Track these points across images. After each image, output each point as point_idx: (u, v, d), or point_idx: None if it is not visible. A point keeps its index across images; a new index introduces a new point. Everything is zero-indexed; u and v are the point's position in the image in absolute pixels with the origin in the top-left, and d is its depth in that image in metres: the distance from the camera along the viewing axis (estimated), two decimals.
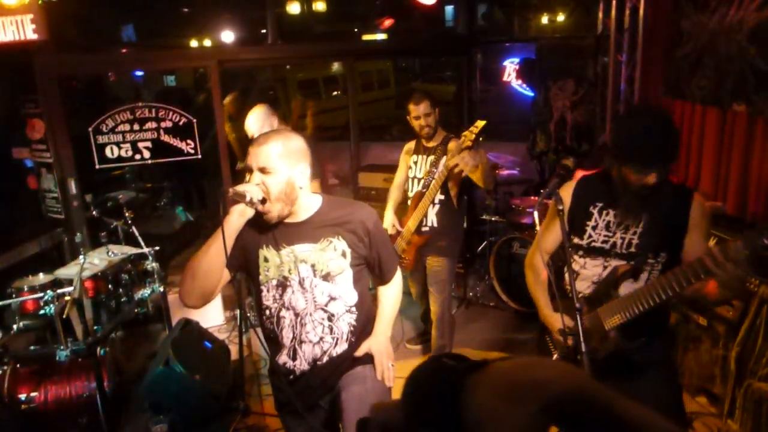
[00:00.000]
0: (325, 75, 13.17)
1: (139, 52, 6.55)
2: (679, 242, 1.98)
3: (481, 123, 3.21)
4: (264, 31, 5.56)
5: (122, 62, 5.81)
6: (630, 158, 1.90)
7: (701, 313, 3.22)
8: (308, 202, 2.04)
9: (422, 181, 3.61)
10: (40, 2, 3.91)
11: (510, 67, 6.40)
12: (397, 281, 2.28)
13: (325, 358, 2.09)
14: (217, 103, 5.11)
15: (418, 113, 3.56)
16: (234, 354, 4.00)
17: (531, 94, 6.09)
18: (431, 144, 3.64)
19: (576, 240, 2.12)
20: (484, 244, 5.18)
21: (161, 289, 4.33)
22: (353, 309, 2.11)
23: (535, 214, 1.94)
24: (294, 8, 12.00)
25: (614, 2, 5.03)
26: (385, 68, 14.94)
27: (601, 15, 5.28)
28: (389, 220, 3.80)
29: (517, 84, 6.41)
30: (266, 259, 2.04)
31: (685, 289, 1.78)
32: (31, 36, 3.95)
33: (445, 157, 3.43)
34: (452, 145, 3.47)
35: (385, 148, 8.34)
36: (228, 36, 11.19)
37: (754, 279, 2.78)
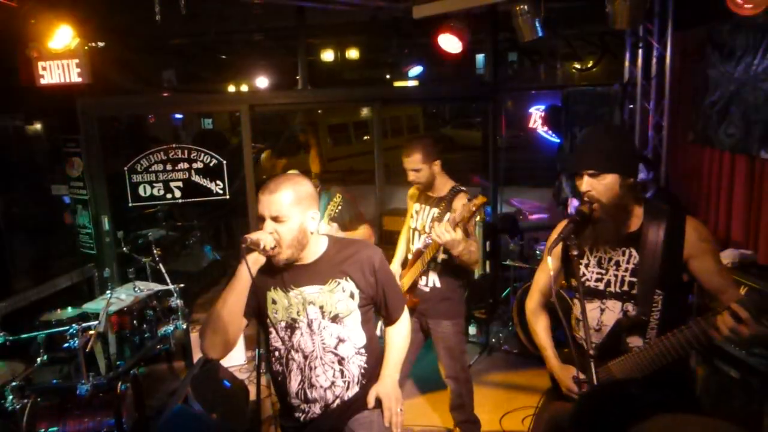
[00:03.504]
0: (355, 120, 13.46)
1: (175, 95, 6.83)
2: (677, 277, 1.91)
3: (481, 200, 2.89)
4: (298, 77, 5.74)
5: (159, 105, 6.05)
6: (572, 164, 1.94)
7: (733, 366, 3.09)
8: (316, 245, 2.06)
9: (422, 238, 3.29)
10: (85, 48, 4.13)
11: (536, 113, 6.45)
12: (404, 322, 2.24)
13: (338, 402, 2.07)
14: (246, 145, 5.25)
15: (407, 167, 3.23)
16: (253, 395, 3.98)
17: (557, 140, 6.11)
18: (434, 194, 3.29)
19: (573, 282, 2.09)
20: (507, 290, 5.12)
21: (184, 326, 4.38)
22: (362, 351, 2.10)
23: (548, 259, 1.92)
24: (328, 56, 12.44)
25: (640, 50, 5.07)
26: (415, 114, 15.21)
27: (627, 63, 5.32)
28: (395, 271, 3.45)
29: (542, 130, 6.44)
30: (274, 301, 2.05)
31: (694, 349, 1.74)
32: (76, 79, 4.16)
33: (448, 215, 3.07)
34: (458, 202, 3.11)
35: None
36: (262, 81, 11.61)
37: None
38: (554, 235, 2.14)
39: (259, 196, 1.97)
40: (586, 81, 6.27)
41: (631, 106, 5.32)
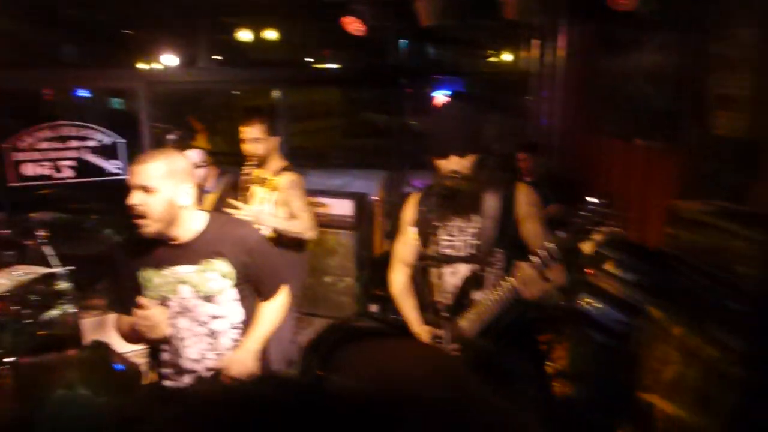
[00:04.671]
0: (271, 102, 13.21)
1: (61, 69, 6.22)
2: (513, 238, 2.11)
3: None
4: (219, 57, 5.57)
5: (43, 80, 5.59)
6: (443, 147, 2.07)
7: (599, 330, 3.33)
8: (192, 223, 2.02)
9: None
10: None
11: (440, 98, 6.61)
12: (279, 301, 2.24)
13: (208, 373, 2.09)
14: (145, 124, 5.06)
15: (246, 136, 3.09)
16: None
17: None
18: (266, 174, 3.18)
19: (428, 251, 2.21)
20: None
21: (73, 310, 4.19)
22: (239, 325, 2.12)
23: (412, 230, 2.04)
24: (244, 35, 12.11)
25: (535, 42, 5.31)
26: (330, 98, 15.11)
27: (525, 54, 5.55)
28: None
29: None
30: (147, 279, 2.03)
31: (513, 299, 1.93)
32: None
33: (276, 194, 3.14)
34: (286, 179, 3.13)
35: (323, 175, 8.35)
36: (173, 60, 11.16)
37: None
38: (409, 208, 2.27)
39: (131, 166, 1.92)
40: (490, 69, 6.49)
41: (529, 96, 5.57)
